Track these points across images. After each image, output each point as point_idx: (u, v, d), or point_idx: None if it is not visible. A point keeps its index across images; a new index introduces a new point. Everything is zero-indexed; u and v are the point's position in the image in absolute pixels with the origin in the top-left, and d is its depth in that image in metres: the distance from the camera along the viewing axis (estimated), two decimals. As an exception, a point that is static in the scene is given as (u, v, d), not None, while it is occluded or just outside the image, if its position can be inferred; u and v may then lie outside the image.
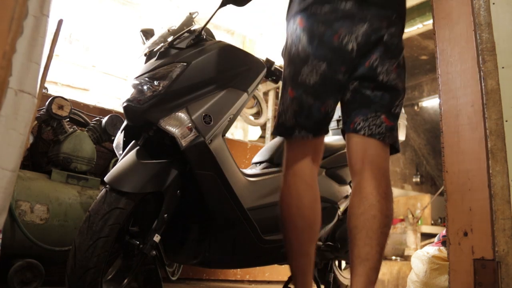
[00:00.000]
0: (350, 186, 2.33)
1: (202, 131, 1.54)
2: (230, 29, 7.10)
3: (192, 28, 1.70)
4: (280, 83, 2.05)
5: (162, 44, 1.68)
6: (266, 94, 7.60)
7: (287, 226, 1.40)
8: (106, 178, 1.47)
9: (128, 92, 1.65)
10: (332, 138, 2.44)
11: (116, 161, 2.53)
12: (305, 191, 1.40)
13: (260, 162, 2.12)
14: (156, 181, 1.51)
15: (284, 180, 1.42)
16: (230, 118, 1.69)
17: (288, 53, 1.43)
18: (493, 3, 1.37)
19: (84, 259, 1.32)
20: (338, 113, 2.55)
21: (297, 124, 1.39)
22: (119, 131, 1.76)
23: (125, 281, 1.50)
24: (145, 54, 1.75)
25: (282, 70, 1.54)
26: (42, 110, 2.29)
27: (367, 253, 1.26)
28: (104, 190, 1.45)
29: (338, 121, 2.54)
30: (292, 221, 1.39)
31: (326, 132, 1.46)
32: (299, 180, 1.40)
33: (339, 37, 1.34)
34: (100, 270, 1.35)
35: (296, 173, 1.40)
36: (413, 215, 6.84)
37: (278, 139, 2.20)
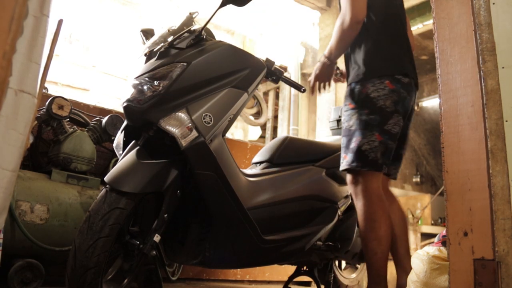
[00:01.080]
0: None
1: (202, 131, 1.54)
2: (230, 29, 7.10)
3: (192, 28, 1.70)
4: (280, 83, 2.05)
5: (162, 44, 1.68)
6: (266, 94, 7.60)
7: (387, 236, 1.77)
8: (106, 178, 1.47)
9: (128, 92, 1.65)
10: (332, 138, 2.44)
11: (116, 161, 2.53)
12: (386, 208, 1.81)
13: (260, 162, 2.12)
14: (156, 181, 1.51)
15: (371, 201, 1.77)
16: (230, 118, 1.68)
17: (373, 101, 1.78)
18: (493, 3, 1.37)
19: (84, 259, 1.32)
20: (338, 113, 2.56)
21: (383, 162, 1.78)
22: (119, 131, 1.76)
23: (125, 281, 1.50)
24: (145, 54, 1.75)
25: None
26: (42, 110, 2.29)
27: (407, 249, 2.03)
28: (104, 190, 1.45)
29: (338, 121, 2.54)
30: (386, 232, 1.77)
31: None
32: (383, 201, 1.81)
33: (410, 102, 1.86)
34: (100, 270, 1.35)
35: (381, 197, 1.81)
36: (413, 215, 6.84)
37: (277, 139, 2.20)
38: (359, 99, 1.80)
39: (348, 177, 1.84)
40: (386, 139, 1.76)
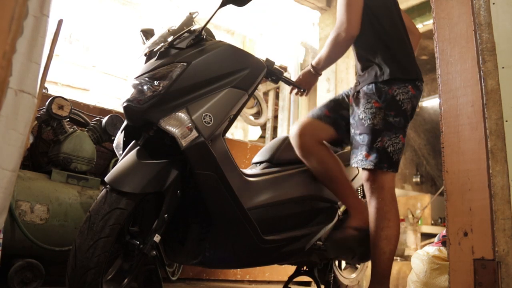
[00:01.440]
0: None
1: (202, 131, 1.54)
2: (230, 29, 7.10)
3: (192, 28, 1.70)
4: (280, 83, 2.05)
5: (162, 44, 1.68)
6: (266, 94, 7.60)
7: (397, 236, 1.84)
8: (106, 178, 1.47)
9: (128, 92, 1.65)
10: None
11: (116, 161, 2.53)
12: (397, 208, 1.86)
13: (260, 162, 2.12)
14: (157, 182, 1.50)
15: (386, 200, 1.81)
16: (230, 118, 1.68)
17: (398, 104, 1.81)
18: (493, 3, 1.37)
19: (85, 259, 1.32)
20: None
21: (399, 163, 1.85)
22: (119, 131, 1.76)
23: (125, 281, 1.50)
24: (145, 54, 1.75)
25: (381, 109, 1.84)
26: (42, 110, 2.29)
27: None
28: (104, 190, 1.45)
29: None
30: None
31: None
32: (396, 201, 1.87)
33: None
34: (100, 270, 1.35)
35: (394, 197, 1.85)
36: (413, 215, 6.84)
37: (277, 139, 2.20)
38: (386, 99, 1.80)
39: (366, 175, 1.84)
40: (405, 141, 1.85)
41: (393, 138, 1.79)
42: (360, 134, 1.84)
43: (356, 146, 1.86)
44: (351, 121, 1.90)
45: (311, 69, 1.97)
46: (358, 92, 1.88)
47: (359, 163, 1.83)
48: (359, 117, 1.85)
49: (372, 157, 1.78)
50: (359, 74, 1.96)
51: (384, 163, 1.78)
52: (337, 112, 2.00)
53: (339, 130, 1.96)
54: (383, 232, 1.77)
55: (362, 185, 2.51)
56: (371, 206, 1.81)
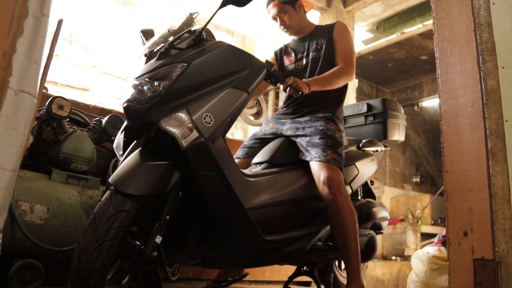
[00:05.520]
0: (350, 187, 2.32)
1: (202, 131, 1.53)
2: (230, 29, 7.10)
3: (192, 29, 1.70)
4: (279, 85, 2.04)
5: (162, 44, 1.67)
6: (266, 94, 7.59)
7: None
8: (111, 180, 1.46)
9: (128, 92, 1.64)
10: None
11: (116, 161, 2.53)
12: None
13: (260, 163, 2.12)
14: (161, 183, 1.50)
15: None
16: (230, 119, 1.68)
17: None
18: (493, 3, 1.37)
19: (89, 262, 1.31)
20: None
21: None
22: (119, 132, 1.75)
23: (125, 281, 1.49)
24: (145, 55, 1.75)
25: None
26: (42, 110, 2.28)
27: None
28: (109, 192, 1.44)
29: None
30: None
31: None
32: None
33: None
34: (104, 273, 1.34)
35: None
36: (413, 215, 6.85)
37: (278, 139, 2.20)
38: None
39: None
40: None
41: None
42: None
43: None
44: None
45: (305, 86, 2.00)
46: None
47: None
48: None
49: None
50: None
51: None
52: None
53: None
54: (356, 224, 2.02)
55: (362, 186, 2.52)
56: (346, 201, 2.00)
